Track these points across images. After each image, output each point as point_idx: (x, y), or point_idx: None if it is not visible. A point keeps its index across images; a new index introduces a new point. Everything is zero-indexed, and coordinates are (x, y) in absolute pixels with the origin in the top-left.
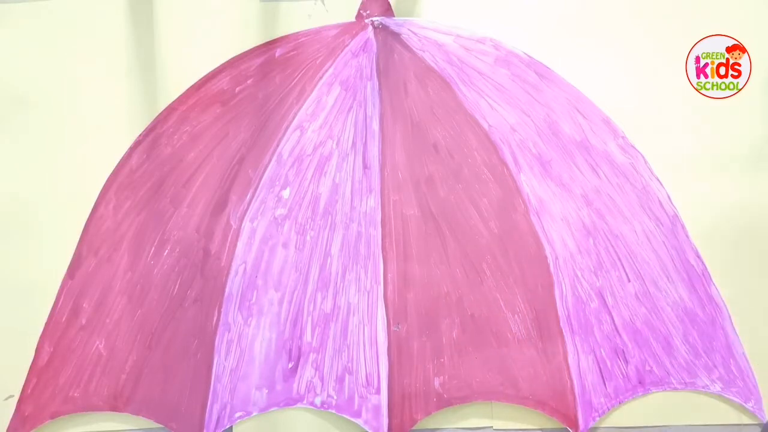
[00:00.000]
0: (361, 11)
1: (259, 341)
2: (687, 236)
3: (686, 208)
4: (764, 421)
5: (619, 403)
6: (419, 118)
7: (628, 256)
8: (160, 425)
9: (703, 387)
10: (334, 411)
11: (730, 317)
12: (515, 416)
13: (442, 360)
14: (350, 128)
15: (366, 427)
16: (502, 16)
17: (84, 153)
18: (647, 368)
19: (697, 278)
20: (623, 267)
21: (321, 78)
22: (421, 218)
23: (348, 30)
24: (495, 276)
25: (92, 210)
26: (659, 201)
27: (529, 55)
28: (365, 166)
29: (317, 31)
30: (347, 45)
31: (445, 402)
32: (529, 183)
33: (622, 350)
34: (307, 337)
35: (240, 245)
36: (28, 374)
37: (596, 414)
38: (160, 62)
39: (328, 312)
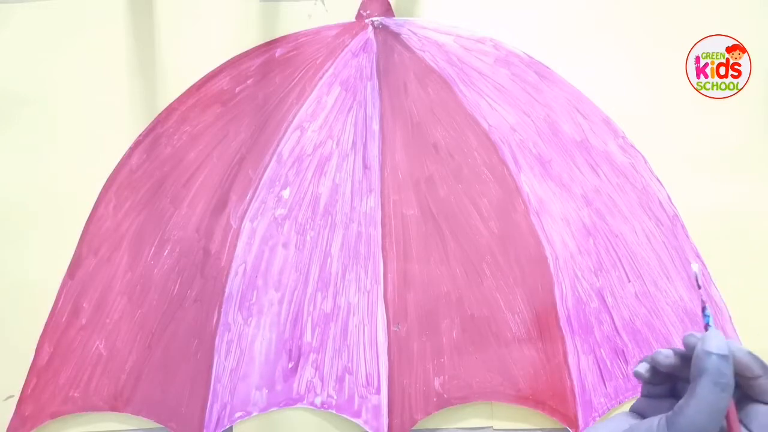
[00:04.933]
0: (361, 11)
1: (259, 341)
2: (687, 236)
3: (686, 208)
4: None
5: (619, 403)
6: (419, 118)
7: (628, 256)
8: (160, 425)
9: None
10: (334, 411)
11: (730, 317)
12: (515, 416)
13: (442, 360)
14: (350, 128)
15: (366, 427)
16: (502, 16)
17: (84, 153)
18: None
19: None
20: (623, 267)
21: (321, 78)
22: (421, 218)
23: (348, 30)
24: (495, 276)
25: (92, 210)
26: (659, 201)
27: (529, 55)
28: (365, 166)
29: (317, 31)
30: (347, 45)
31: (445, 402)
32: (529, 183)
33: (622, 350)
34: (307, 337)
35: (240, 245)
36: (28, 374)
37: (596, 414)
38: (160, 62)
39: (328, 312)
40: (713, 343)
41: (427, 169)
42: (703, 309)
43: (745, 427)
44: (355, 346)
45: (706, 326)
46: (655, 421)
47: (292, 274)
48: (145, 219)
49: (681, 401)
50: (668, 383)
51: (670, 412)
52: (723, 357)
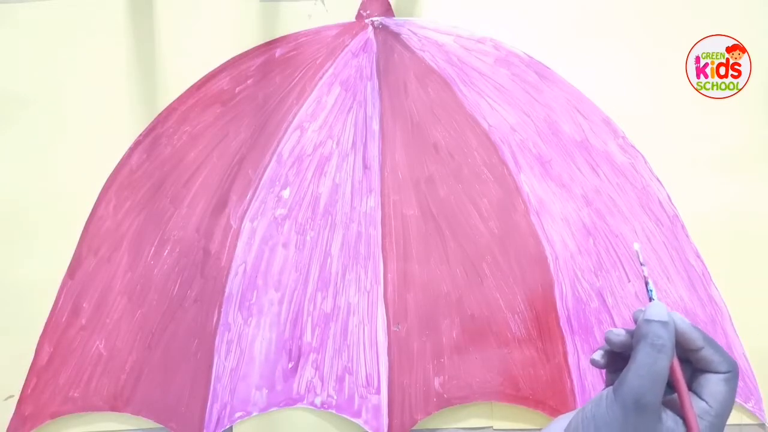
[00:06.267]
0: (361, 11)
1: (259, 341)
2: (687, 236)
3: (686, 208)
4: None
5: None
6: (419, 118)
7: (628, 256)
8: (160, 425)
9: None
10: (334, 411)
11: (730, 317)
12: (515, 416)
13: (442, 360)
14: (350, 128)
15: (366, 427)
16: (502, 16)
17: (84, 153)
18: None
19: (697, 278)
20: (623, 267)
21: (321, 78)
22: (421, 218)
23: (348, 30)
24: (495, 276)
25: (92, 210)
26: (659, 201)
27: (529, 55)
28: (365, 166)
29: (317, 31)
30: (347, 45)
31: (445, 402)
32: (529, 183)
33: None
34: (307, 337)
35: (240, 245)
36: (28, 374)
37: None
38: (160, 62)
39: (328, 312)
40: (654, 311)
41: (427, 169)
42: (646, 283)
43: (698, 396)
44: (355, 346)
45: (650, 299)
46: (603, 393)
47: (292, 274)
48: (145, 219)
49: (624, 369)
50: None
51: (616, 382)
52: (661, 323)
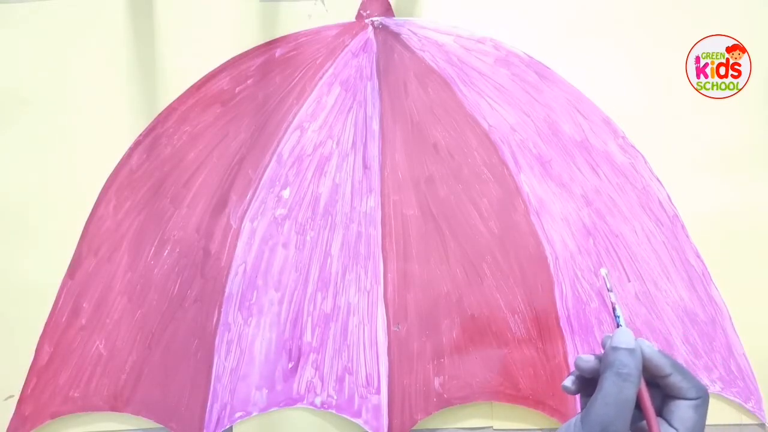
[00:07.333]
0: (361, 11)
1: (259, 341)
2: (687, 236)
3: (686, 208)
4: (763, 421)
5: None
6: (419, 118)
7: (628, 256)
8: (160, 425)
9: None
10: (334, 411)
11: (730, 317)
12: (515, 416)
13: (442, 360)
14: (350, 128)
15: (366, 427)
16: (502, 16)
17: (84, 153)
18: None
19: (697, 278)
20: (623, 267)
21: (321, 78)
22: (421, 218)
23: (348, 30)
24: (495, 276)
25: (92, 210)
26: (659, 201)
27: (529, 55)
28: (365, 166)
29: (317, 31)
30: (347, 45)
31: (445, 402)
32: (529, 183)
33: None
34: (307, 337)
35: (240, 245)
36: (28, 374)
37: None
38: (160, 62)
39: (328, 312)
40: (620, 338)
41: (427, 169)
42: (613, 309)
43: (668, 423)
44: (355, 346)
45: (618, 326)
46: (572, 421)
47: (292, 274)
48: (145, 219)
49: (591, 398)
50: None
51: (584, 410)
52: (628, 351)
